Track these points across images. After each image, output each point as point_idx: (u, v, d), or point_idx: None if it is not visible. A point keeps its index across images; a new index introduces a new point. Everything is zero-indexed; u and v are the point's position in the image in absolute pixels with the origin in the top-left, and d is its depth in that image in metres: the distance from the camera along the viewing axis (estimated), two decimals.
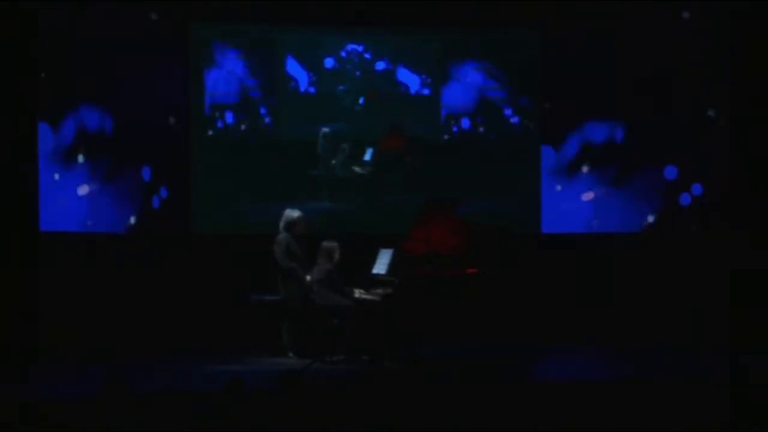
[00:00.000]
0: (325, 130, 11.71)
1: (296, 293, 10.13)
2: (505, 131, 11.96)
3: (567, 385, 8.48)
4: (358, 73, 11.87)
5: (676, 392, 7.75)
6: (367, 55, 11.88)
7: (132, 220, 11.16)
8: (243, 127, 11.67)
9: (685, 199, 11.81)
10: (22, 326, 9.95)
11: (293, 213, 10.30)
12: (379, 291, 9.89)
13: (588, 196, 11.85)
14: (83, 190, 10.89)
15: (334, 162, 11.80)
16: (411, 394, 7.79)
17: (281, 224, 10.30)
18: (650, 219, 11.81)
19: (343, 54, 11.84)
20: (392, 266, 10.02)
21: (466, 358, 10.21)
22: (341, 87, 11.83)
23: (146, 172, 11.25)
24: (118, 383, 6.76)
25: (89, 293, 10.49)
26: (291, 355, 10.09)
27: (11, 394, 8.07)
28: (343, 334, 9.85)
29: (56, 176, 10.66)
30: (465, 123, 11.93)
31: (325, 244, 10.07)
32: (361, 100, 11.88)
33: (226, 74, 11.59)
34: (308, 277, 10.11)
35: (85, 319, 10.36)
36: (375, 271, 10.12)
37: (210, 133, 11.59)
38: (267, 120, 11.73)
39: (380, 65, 11.89)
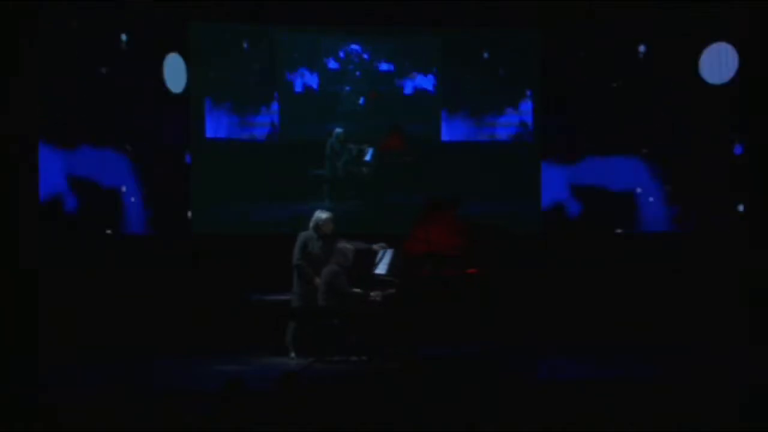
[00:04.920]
0: (339, 130, 11.72)
1: (299, 291, 10.13)
2: (505, 131, 11.96)
3: (567, 385, 8.49)
4: (358, 73, 11.87)
5: (675, 392, 7.75)
6: (366, 55, 11.88)
7: (132, 219, 11.16)
8: (243, 127, 11.67)
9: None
10: (21, 326, 9.95)
11: (322, 215, 10.29)
12: (380, 291, 9.90)
13: None
14: (84, 188, 10.91)
15: (338, 162, 11.81)
16: (411, 394, 7.79)
17: (310, 223, 10.30)
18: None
19: (343, 54, 11.85)
20: (393, 266, 10.03)
21: (466, 358, 10.21)
22: (341, 87, 11.83)
23: (146, 172, 11.26)
24: (118, 384, 6.78)
25: (89, 293, 10.49)
26: (292, 355, 10.10)
27: (11, 394, 8.07)
28: (343, 334, 9.85)
29: (56, 173, 10.67)
30: (465, 123, 11.93)
31: (341, 245, 10.06)
32: (361, 100, 11.88)
33: (226, 74, 11.60)
34: (317, 279, 10.09)
35: (85, 319, 10.35)
36: (375, 271, 10.13)
37: (210, 133, 11.59)
38: (267, 120, 11.73)
39: (380, 65, 11.90)
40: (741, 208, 11.50)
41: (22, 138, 10.24)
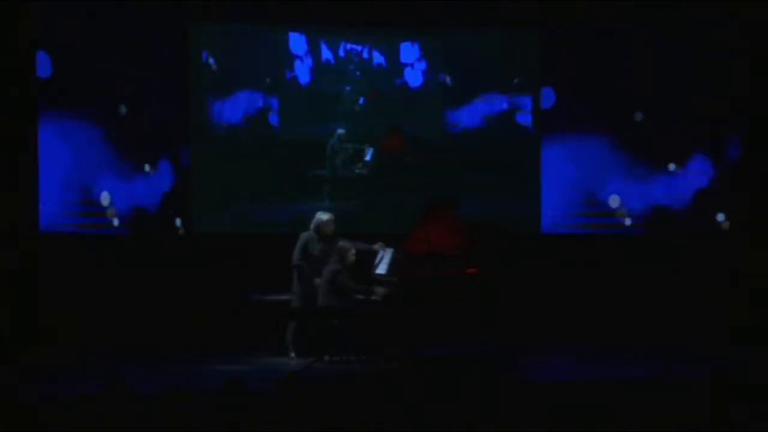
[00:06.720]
0: (341, 131, 11.74)
1: (299, 291, 10.13)
2: (505, 131, 11.95)
3: (567, 385, 8.48)
4: (358, 73, 11.88)
5: (675, 392, 7.75)
6: (366, 55, 11.88)
7: (132, 219, 11.16)
8: (243, 126, 11.68)
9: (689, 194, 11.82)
10: (21, 326, 9.95)
11: (323, 216, 10.29)
12: (380, 291, 9.90)
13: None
14: (83, 188, 10.90)
15: (338, 162, 11.82)
16: (411, 394, 7.79)
17: (311, 224, 10.29)
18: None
19: (343, 54, 11.85)
20: (393, 266, 10.03)
21: (466, 358, 10.21)
22: (341, 87, 11.83)
23: (146, 172, 11.26)
24: (118, 383, 6.77)
25: (89, 293, 10.49)
26: (292, 355, 10.10)
27: (11, 394, 8.06)
28: (343, 334, 9.85)
29: (56, 174, 10.67)
30: (465, 123, 11.93)
31: (341, 244, 10.06)
32: (361, 100, 11.89)
33: (226, 74, 11.60)
34: (318, 280, 10.08)
35: (84, 319, 10.36)
36: (375, 271, 10.13)
37: (210, 132, 11.60)
38: (267, 120, 11.73)
39: (380, 65, 11.90)
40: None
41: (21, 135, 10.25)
